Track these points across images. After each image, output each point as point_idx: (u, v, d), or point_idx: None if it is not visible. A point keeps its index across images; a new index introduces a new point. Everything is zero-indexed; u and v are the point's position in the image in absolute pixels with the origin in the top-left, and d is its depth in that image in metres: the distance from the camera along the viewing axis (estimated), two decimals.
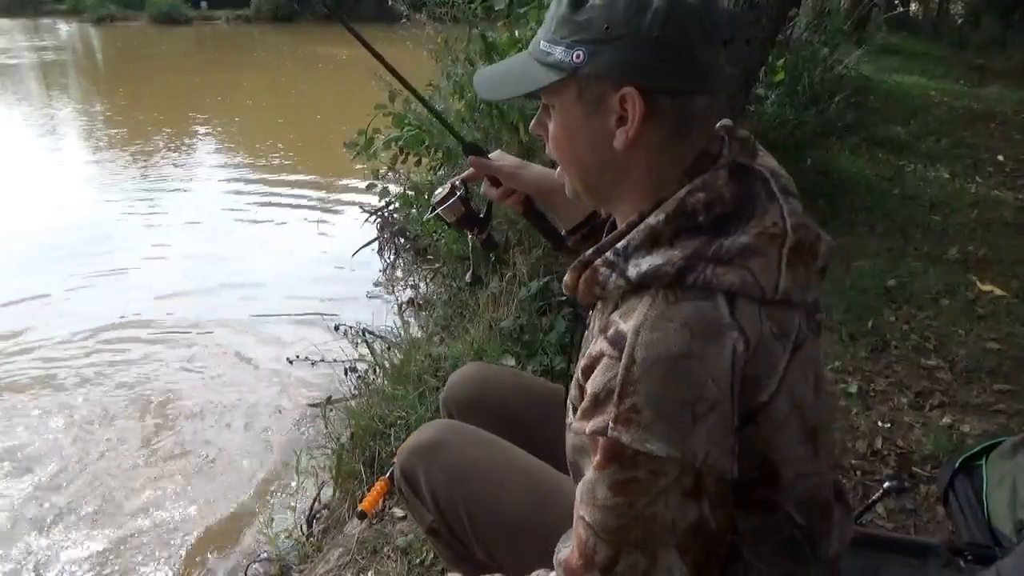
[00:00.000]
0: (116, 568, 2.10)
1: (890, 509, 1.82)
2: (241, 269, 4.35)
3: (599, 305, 0.86)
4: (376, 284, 4.07)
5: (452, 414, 1.29)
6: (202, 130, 8.74)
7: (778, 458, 0.75)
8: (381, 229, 4.44)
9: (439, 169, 3.60)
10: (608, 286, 0.77)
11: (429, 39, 3.52)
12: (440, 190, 1.23)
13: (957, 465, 1.60)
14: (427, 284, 3.92)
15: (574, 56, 0.76)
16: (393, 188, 3.94)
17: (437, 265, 3.86)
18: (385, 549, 1.78)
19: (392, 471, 1.18)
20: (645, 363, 0.69)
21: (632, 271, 0.75)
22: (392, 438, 2.13)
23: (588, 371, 0.76)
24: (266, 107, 10.69)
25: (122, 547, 2.17)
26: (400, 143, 3.63)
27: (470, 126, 3.35)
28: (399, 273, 4.21)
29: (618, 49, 0.75)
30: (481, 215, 1.23)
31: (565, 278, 0.84)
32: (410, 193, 3.71)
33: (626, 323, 0.73)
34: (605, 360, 0.73)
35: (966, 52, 12.62)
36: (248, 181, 6.48)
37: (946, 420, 2.20)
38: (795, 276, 0.74)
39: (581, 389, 0.78)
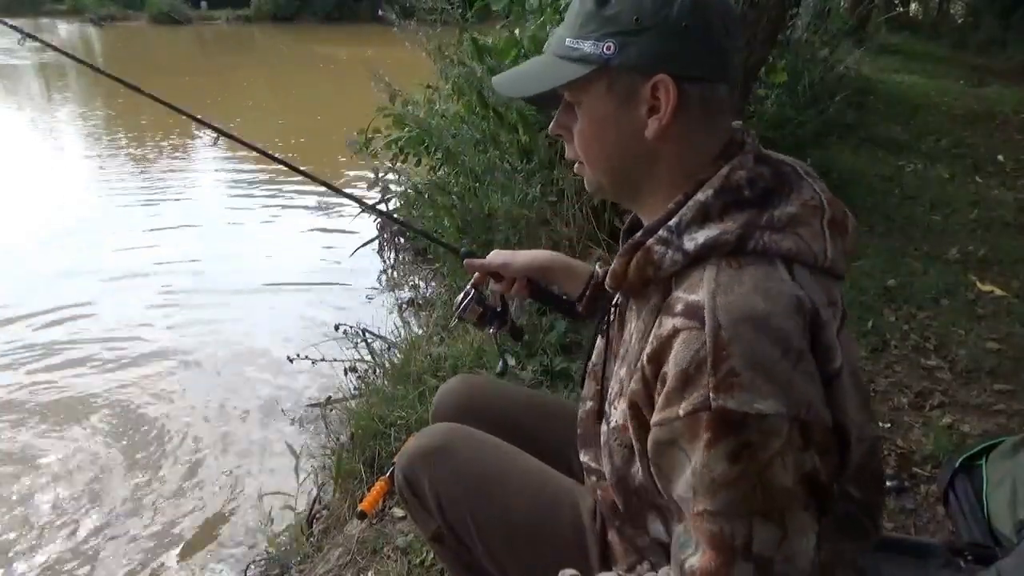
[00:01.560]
0: (116, 568, 2.09)
1: (890, 509, 1.82)
2: (241, 269, 4.35)
3: (632, 303, 0.87)
4: (376, 284, 4.07)
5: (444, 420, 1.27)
6: (203, 131, 8.71)
7: (849, 423, 0.75)
8: (381, 229, 4.44)
9: (439, 169, 3.60)
10: (664, 264, 0.78)
11: (426, 43, 3.52)
12: (459, 297, 1.31)
13: (957, 465, 1.60)
14: (427, 284, 3.92)
15: (604, 48, 0.78)
16: (394, 188, 3.94)
17: (437, 265, 3.86)
18: (385, 549, 1.78)
19: (392, 471, 1.18)
20: (732, 325, 0.69)
21: (689, 244, 0.76)
22: (392, 438, 2.13)
23: (660, 355, 0.74)
24: (266, 107, 10.69)
25: (121, 547, 2.17)
26: (400, 144, 3.63)
27: (469, 127, 3.35)
28: (399, 273, 4.21)
29: (648, 39, 0.77)
30: (498, 309, 1.32)
31: (611, 268, 0.84)
32: (410, 193, 3.71)
33: (696, 294, 0.73)
34: (684, 335, 0.71)
35: (966, 52, 12.63)
36: (248, 182, 6.48)
37: (946, 420, 2.19)
38: (836, 247, 0.78)
39: (647, 381, 0.76)
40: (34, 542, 2.19)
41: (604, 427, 0.91)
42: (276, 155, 1.61)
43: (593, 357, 1.01)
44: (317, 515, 2.17)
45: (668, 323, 0.74)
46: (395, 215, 3.68)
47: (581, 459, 1.02)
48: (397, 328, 3.11)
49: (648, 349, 0.76)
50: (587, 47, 0.79)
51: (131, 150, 7.62)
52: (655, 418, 0.74)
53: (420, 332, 3.15)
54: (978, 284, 3.15)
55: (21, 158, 7.35)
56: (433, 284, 3.86)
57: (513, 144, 3.19)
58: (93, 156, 7.52)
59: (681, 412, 0.71)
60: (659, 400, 0.74)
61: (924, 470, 1.98)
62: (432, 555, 1.68)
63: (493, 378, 1.40)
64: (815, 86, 5.35)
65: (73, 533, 2.22)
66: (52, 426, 2.75)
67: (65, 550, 2.16)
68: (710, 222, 0.77)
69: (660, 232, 0.79)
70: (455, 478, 1.06)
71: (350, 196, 1.85)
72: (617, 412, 0.86)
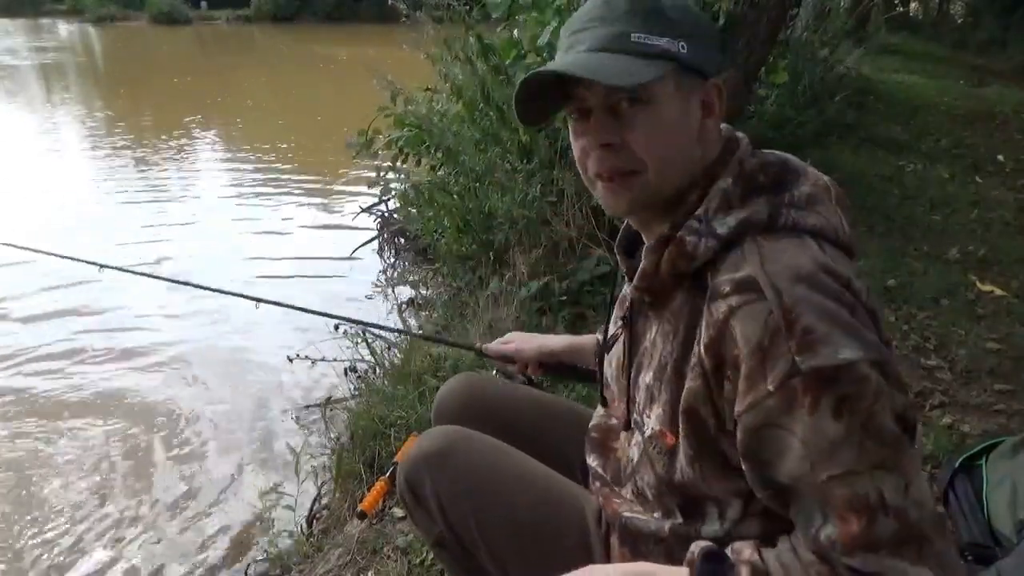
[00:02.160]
0: (116, 568, 2.09)
1: None
2: (241, 268, 4.34)
3: (647, 311, 0.88)
4: (376, 284, 4.07)
5: (446, 421, 1.25)
6: (203, 131, 8.74)
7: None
8: (381, 229, 4.44)
9: (439, 169, 3.60)
10: (698, 252, 0.79)
11: (427, 42, 3.52)
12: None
13: (957, 465, 1.60)
14: (427, 284, 3.92)
15: (679, 46, 0.80)
16: (394, 188, 3.94)
17: (437, 265, 3.86)
18: (385, 549, 1.78)
19: (392, 471, 1.18)
20: (790, 287, 0.71)
21: (722, 229, 0.78)
22: (392, 438, 2.13)
23: (720, 341, 0.74)
24: (267, 108, 10.69)
25: (121, 547, 2.17)
26: (400, 143, 3.64)
27: (470, 126, 3.35)
28: (399, 273, 4.22)
29: (703, 45, 0.82)
30: (520, 378, 1.44)
31: (641, 267, 0.85)
32: (410, 193, 3.72)
33: (743, 270, 0.74)
34: (744, 310, 0.72)
35: (966, 52, 12.63)
36: (249, 182, 6.48)
37: (946, 420, 2.19)
38: (848, 224, 0.82)
39: (707, 375, 0.76)
40: (33, 542, 2.19)
41: (636, 436, 0.91)
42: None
43: (610, 369, 1.02)
44: (317, 515, 2.17)
45: (721, 306, 0.74)
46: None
47: (588, 463, 1.02)
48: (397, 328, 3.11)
49: (703, 341, 0.76)
50: (664, 43, 0.79)
51: (131, 150, 7.62)
52: (739, 407, 0.73)
53: (420, 332, 3.15)
54: (978, 284, 3.15)
55: (21, 159, 7.35)
56: (433, 284, 3.86)
57: (513, 144, 3.19)
58: (93, 156, 7.51)
59: (771, 387, 0.70)
60: (739, 386, 0.73)
61: (924, 470, 1.98)
62: (432, 555, 1.68)
63: (493, 377, 1.40)
64: (815, 86, 5.36)
65: (72, 533, 2.22)
66: (51, 425, 2.74)
67: (65, 550, 2.15)
68: (734, 208, 0.79)
69: (690, 222, 0.80)
70: (457, 482, 1.05)
71: None
72: (651, 419, 0.86)
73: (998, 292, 3.08)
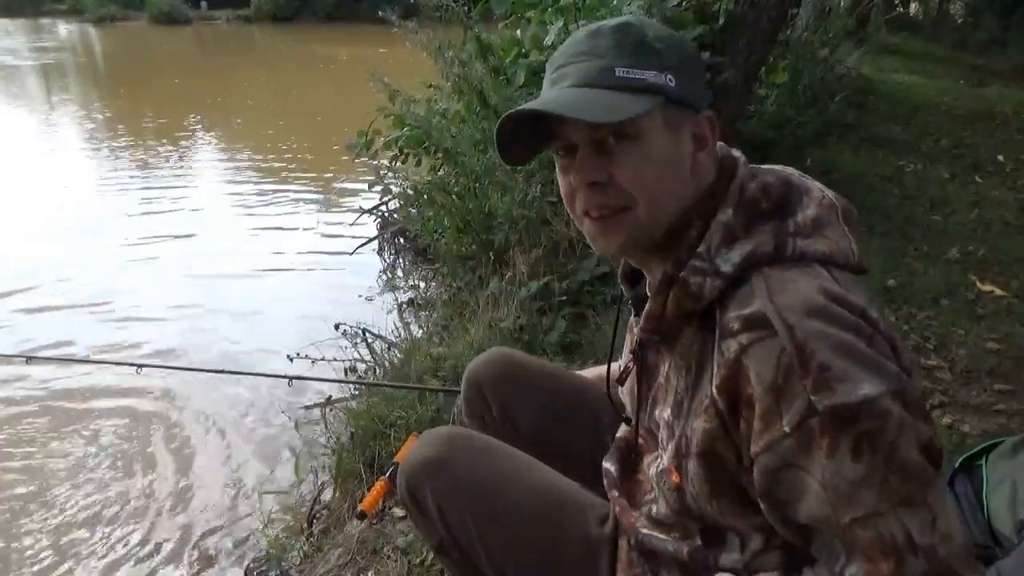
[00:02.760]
0: (115, 568, 2.09)
1: None
2: (240, 268, 4.35)
3: (661, 349, 0.85)
4: (376, 284, 4.07)
5: (483, 393, 1.23)
6: (203, 131, 8.74)
7: None
8: (381, 229, 4.44)
9: (439, 169, 3.60)
10: (704, 293, 0.76)
11: (427, 44, 3.52)
12: None
13: (957, 465, 1.60)
14: (427, 284, 3.92)
15: (667, 79, 0.78)
16: (394, 188, 3.94)
17: (437, 265, 3.85)
18: (385, 549, 1.78)
19: (392, 471, 1.18)
20: (802, 321, 0.69)
21: (726, 267, 0.75)
22: (392, 438, 2.13)
23: (733, 380, 0.72)
24: (267, 108, 10.69)
25: (121, 547, 2.17)
26: (400, 143, 3.63)
27: (469, 127, 3.35)
28: (399, 273, 4.21)
29: (690, 78, 0.81)
30: None
31: (646, 310, 0.82)
32: (410, 193, 3.71)
33: (751, 306, 0.71)
34: (756, 347, 0.70)
35: (966, 52, 12.62)
36: (249, 182, 6.49)
37: (946, 420, 2.19)
38: (856, 242, 0.79)
39: (722, 415, 0.74)
40: (32, 541, 2.19)
41: (654, 469, 0.90)
42: None
43: (627, 398, 1.01)
44: (317, 515, 2.17)
45: (732, 345, 0.72)
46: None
47: (606, 466, 1.01)
48: (397, 328, 3.11)
49: (715, 381, 0.73)
50: (650, 77, 0.77)
51: (131, 150, 7.62)
52: (755, 447, 0.71)
53: (420, 332, 3.15)
54: (978, 284, 3.15)
55: (21, 159, 7.35)
56: (433, 284, 3.86)
57: None
58: (93, 156, 7.52)
59: (787, 428, 0.68)
60: (754, 426, 0.70)
61: None
62: (432, 556, 1.68)
63: (528, 354, 1.34)
64: (815, 86, 5.35)
65: (71, 534, 2.22)
66: (49, 425, 2.75)
67: (64, 551, 2.16)
68: (738, 240, 0.76)
69: (692, 263, 0.77)
70: (457, 489, 1.03)
71: None
72: (666, 456, 0.84)
73: (998, 292, 3.08)
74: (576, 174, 0.81)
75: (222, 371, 2.33)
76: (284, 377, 2.04)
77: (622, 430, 1.05)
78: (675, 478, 0.82)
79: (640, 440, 0.98)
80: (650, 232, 0.81)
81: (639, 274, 0.94)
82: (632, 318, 0.98)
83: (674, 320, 0.79)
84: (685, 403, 0.80)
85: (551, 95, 0.80)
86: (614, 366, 1.03)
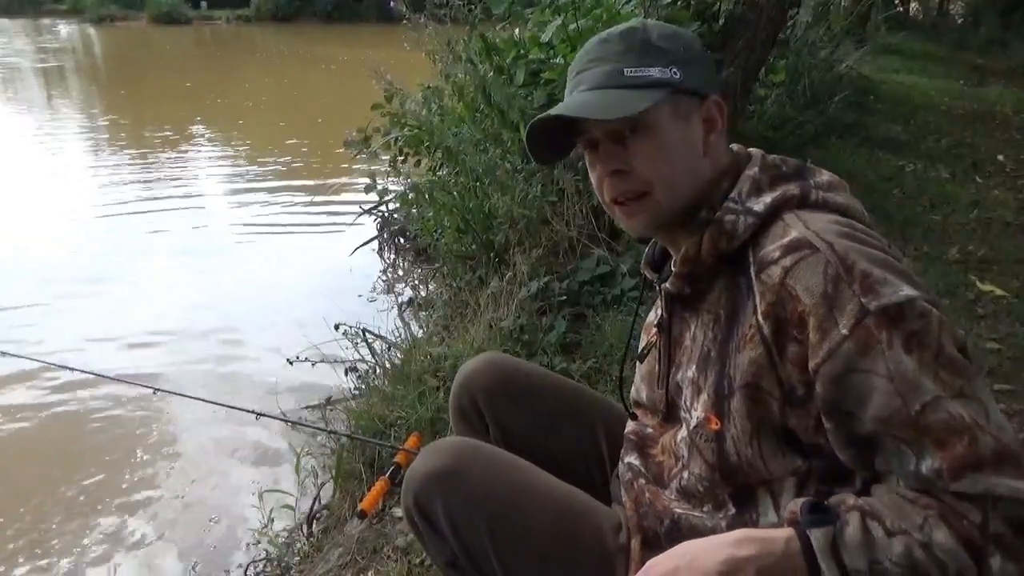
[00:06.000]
0: (115, 568, 2.10)
1: None
2: (240, 268, 4.35)
3: (682, 312, 0.92)
4: (376, 284, 4.07)
5: (476, 399, 1.20)
6: (204, 132, 8.75)
7: None
8: (381, 229, 4.44)
9: (439, 168, 3.60)
10: (738, 230, 0.83)
11: (428, 41, 3.52)
12: None
13: None
14: (427, 284, 3.92)
15: (671, 73, 0.86)
16: (392, 186, 3.94)
17: (437, 265, 3.86)
18: (385, 549, 1.78)
19: (392, 471, 1.18)
20: (839, 240, 0.76)
21: (759, 206, 0.83)
22: (392, 438, 2.13)
23: (779, 304, 0.77)
24: (267, 109, 10.70)
25: (121, 547, 2.17)
26: (400, 143, 3.63)
27: (470, 126, 3.35)
28: (399, 273, 4.21)
29: (696, 67, 0.89)
30: None
31: (683, 251, 0.88)
32: (410, 193, 3.71)
33: (789, 235, 0.79)
34: (800, 265, 0.76)
35: (966, 52, 12.62)
36: (250, 183, 6.49)
37: None
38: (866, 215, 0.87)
39: (767, 342, 0.78)
40: (30, 540, 2.19)
41: (682, 432, 0.92)
42: None
43: (643, 382, 1.03)
44: (317, 515, 2.17)
45: (774, 271, 0.78)
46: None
47: (629, 461, 1.02)
48: (397, 328, 3.11)
49: (761, 308, 0.78)
50: (655, 73, 0.85)
51: (132, 151, 7.63)
52: (815, 359, 0.74)
53: (420, 332, 3.15)
54: (978, 284, 3.15)
55: (21, 159, 7.35)
56: (433, 284, 3.86)
57: (514, 143, 3.19)
58: (94, 157, 7.52)
59: (845, 331, 0.72)
60: (811, 338, 0.74)
61: None
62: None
63: (520, 359, 1.32)
64: (815, 86, 5.36)
65: (71, 534, 2.22)
66: (51, 424, 2.75)
67: (63, 551, 2.16)
68: (763, 192, 0.85)
69: (727, 204, 0.85)
70: (471, 501, 0.99)
71: None
72: (698, 411, 0.88)
73: (998, 292, 3.07)
74: (600, 165, 0.90)
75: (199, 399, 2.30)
76: (251, 412, 2.05)
77: (629, 425, 1.06)
78: (713, 424, 0.85)
79: (653, 422, 1.00)
80: (670, 211, 0.89)
81: (661, 262, 1.01)
82: (650, 316, 1.04)
83: (709, 260, 0.85)
84: (714, 351, 0.85)
85: (570, 100, 0.90)
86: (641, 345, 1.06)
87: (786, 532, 0.73)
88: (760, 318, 0.78)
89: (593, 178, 0.93)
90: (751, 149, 0.93)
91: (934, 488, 0.70)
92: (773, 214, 0.82)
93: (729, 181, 0.88)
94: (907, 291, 0.72)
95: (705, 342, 0.87)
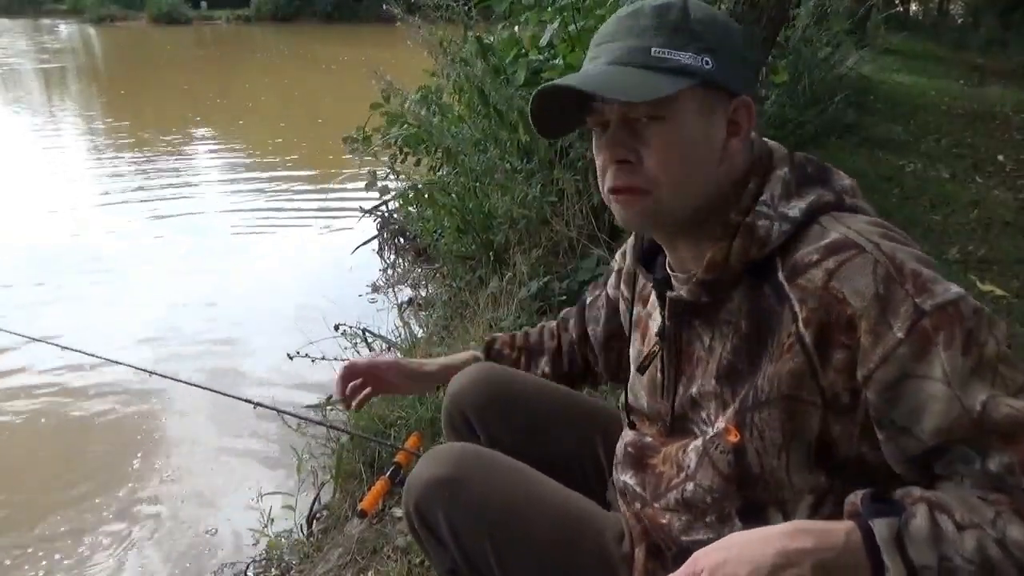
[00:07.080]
0: (115, 568, 2.09)
1: None
2: (241, 268, 4.35)
3: (693, 323, 0.85)
4: (376, 284, 4.07)
5: (466, 415, 1.17)
6: (204, 133, 8.74)
7: None
8: (381, 229, 4.44)
9: (439, 169, 3.60)
10: (771, 237, 0.77)
11: (428, 41, 3.52)
12: None
13: None
14: (427, 284, 3.92)
15: (703, 61, 0.77)
16: (391, 186, 3.93)
17: (437, 265, 3.86)
18: (385, 549, 1.78)
19: (392, 471, 1.17)
20: (882, 241, 0.73)
21: (793, 212, 0.78)
22: (392, 438, 2.13)
23: (823, 309, 0.71)
24: (267, 110, 10.69)
25: (121, 547, 2.17)
26: (399, 143, 3.63)
27: (469, 126, 3.35)
28: (399, 273, 4.21)
29: (730, 61, 0.80)
30: None
31: (708, 258, 0.80)
32: (410, 193, 3.71)
33: (829, 236, 0.74)
34: (846, 267, 0.71)
35: (966, 52, 12.62)
36: (250, 183, 6.49)
37: None
38: None
39: (808, 352, 0.73)
40: (31, 542, 2.19)
41: (695, 442, 0.86)
42: None
43: (642, 390, 0.97)
44: (317, 515, 2.17)
45: (815, 274, 0.73)
46: None
47: (624, 480, 0.98)
48: (397, 328, 3.11)
49: (802, 315, 0.73)
50: (686, 58, 0.77)
51: (132, 151, 7.63)
52: (868, 365, 0.70)
53: (420, 332, 3.15)
54: (978, 284, 3.14)
55: (21, 159, 7.35)
56: (433, 284, 3.85)
57: (513, 144, 3.19)
58: (94, 157, 7.52)
59: (900, 334, 0.68)
60: (863, 343, 0.70)
61: None
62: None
63: (514, 370, 1.28)
64: (815, 86, 5.35)
65: (70, 534, 2.22)
66: (49, 424, 2.75)
67: (63, 551, 2.16)
68: (792, 196, 0.79)
69: (758, 208, 0.78)
70: (472, 510, 0.96)
71: None
72: (722, 419, 0.82)
73: (998, 292, 3.07)
74: (607, 151, 0.82)
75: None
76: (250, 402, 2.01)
77: (627, 435, 1.01)
78: (732, 436, 0.80)
79: (653, 432, 0.95)
80: (671, 215, 0.82)
81: (651, 260, 0.94)
82: (637, 310, 0.98)
83: (737, 268, 0.79)
84: (745, 360, 0.79)
85: (587, 72, 0.81)
86: (634, 350, 1.00)
87: (846, 524, 0.68)
88: (801, 326, 0.73)
89: (598, 161, 0.84)
90: (770, 142, 0.86)
91: (1004, 485, 0.66)
92: (809, 220, 0.77)
93: (755, 182, 0.81)
94: (956, 289, 0.70)
95: (724, 353, 0.81)
